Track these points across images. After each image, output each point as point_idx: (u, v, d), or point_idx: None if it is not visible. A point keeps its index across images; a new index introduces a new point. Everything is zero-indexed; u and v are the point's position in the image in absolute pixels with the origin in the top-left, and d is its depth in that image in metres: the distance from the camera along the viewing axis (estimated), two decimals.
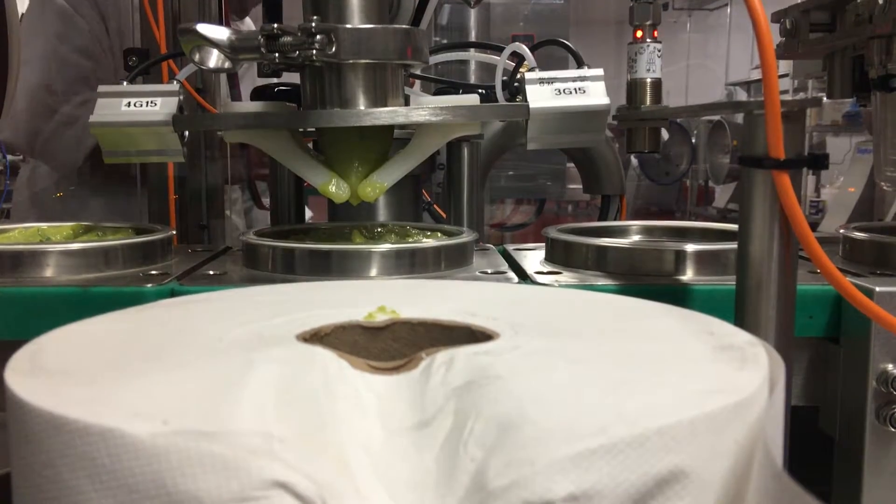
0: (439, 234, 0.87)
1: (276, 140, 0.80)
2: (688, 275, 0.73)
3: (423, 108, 0.76)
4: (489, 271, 0.76)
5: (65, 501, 0.32)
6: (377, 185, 0.79)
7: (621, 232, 0.94)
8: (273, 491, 0.30)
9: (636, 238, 0.94)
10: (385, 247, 0.75)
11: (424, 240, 0.84)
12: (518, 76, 0.93)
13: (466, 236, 0.82)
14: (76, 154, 1.48)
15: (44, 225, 0.93)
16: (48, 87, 1.49)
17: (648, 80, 0.83)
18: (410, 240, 0.86)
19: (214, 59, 0.71)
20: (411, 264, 0.75)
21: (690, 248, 0.74)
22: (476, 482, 0.31)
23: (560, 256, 0.81)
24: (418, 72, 1.03)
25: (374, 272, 0.73)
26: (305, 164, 0.80)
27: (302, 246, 0.76)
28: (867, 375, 0.63)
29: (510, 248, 0.92)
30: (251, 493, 0.29)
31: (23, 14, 1.76)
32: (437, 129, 0.79)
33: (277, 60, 0.71)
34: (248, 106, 0.89)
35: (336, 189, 0.79)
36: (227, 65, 0.72)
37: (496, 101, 0.93)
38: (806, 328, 0.67)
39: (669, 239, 0.92)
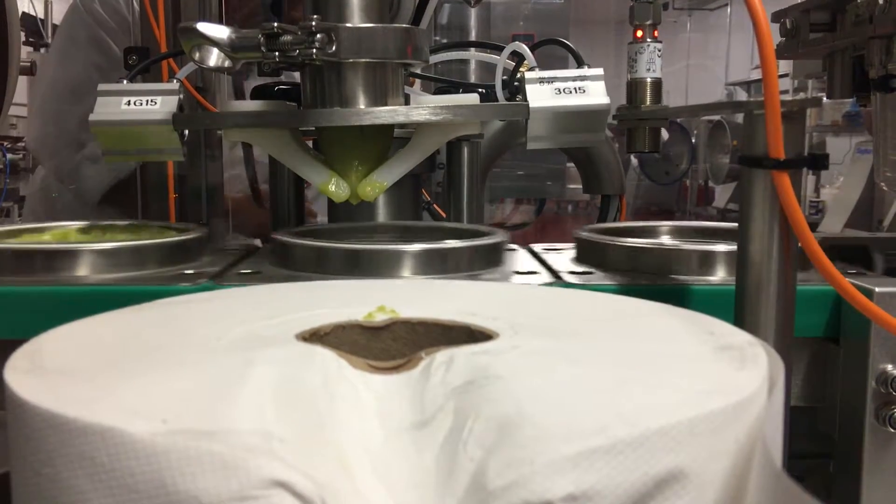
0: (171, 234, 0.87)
1: (276, 139, 0.80)
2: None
3: (424, 107, 0.75)
4: (189, 272, 0.75)
5: (64, 500, 0.32)
6: (377, 185, 0.79)
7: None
8: (272, 490, 0.30)
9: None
10: (99, 246, 0.75)
11: (153, 238, 0.84)
12: (518, 75, 0.93)
13: (188, 234, 0.82)
14: (97, 188, 1.53)
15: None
16: (82, 119, 1.52)
17: (648, 80, 0.83)
18: (135, 237, 0.87)
19: (214, 57, 0.71)
20: (126, 263, 0.75)
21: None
22: (476, 482, 0.31)
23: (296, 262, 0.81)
24: (418, 71, 1.03)
25: (82, 271, 0.73)
26: (305, 163, 0.80)
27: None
28: (866, 376, 0.63)
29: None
30: (250, 492, 0.29)
31: (54, 31, 1.77)
32: (437, 128, 0.79)
33: (278, 59, 0.71)
34: (247, 105, 0.89)
35: (336, 188, 0.79)
36: (227, 63, 0.72)
37: (496, 100, 0.93)
38: (805, 328, 0.66)
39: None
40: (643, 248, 0.77)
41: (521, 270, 0.76)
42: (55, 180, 1.65)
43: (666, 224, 0.94)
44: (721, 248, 0.74)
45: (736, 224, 0.89)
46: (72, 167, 1.55)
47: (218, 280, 0.71)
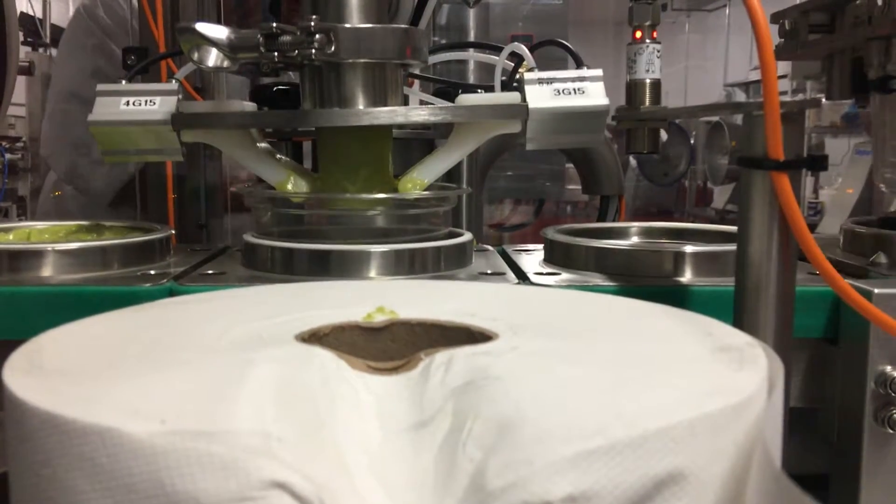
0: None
1: (234, 139, 0.80)
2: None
3: (423, 107, 0.76)
4: (152, 272, 0.75)
5: (62, 501, 0.32)
6: (417, 182, 0.79)
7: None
8: (271, 491, 0.29)
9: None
10: (61, 246, 0.74)
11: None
12: (517, 76, 0.93)
13: (152, 234, 0.82)
14: (107, 190, 1.56)
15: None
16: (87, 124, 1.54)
17: (647, 81, 0.83)
18: (99, 237, 0.86)
19: (213, 57, 0.71)
20: (89, 263, 0.74)
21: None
22: (475, 483, 0.31)
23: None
24: (417, 71, 1.03)
25: (45, 271, 0.73)
26: (262, 162, 0.81)
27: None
28: (865, 377, 0.63)
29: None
30: (249, 493, 0.29)
31: (53, 31, 1.81)
32: (476, 126, 0.79)
33: (276, 59, 0.71)
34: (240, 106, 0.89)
35: (293, 187, 0.79)
36: (225, 63, 0.72)
37: None
38: (804, 329, 0.66)
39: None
40: (606, 249, 0.78)
41: (487, 272, 0.76)
42: (65, 183, 1.66)
43: (636, 225, 0.95)
44: (687, 248, 0.74)
45: (706, 226, 0.91)
46: (81, 170, 1.57)
47: (181, 281, 0.71)
